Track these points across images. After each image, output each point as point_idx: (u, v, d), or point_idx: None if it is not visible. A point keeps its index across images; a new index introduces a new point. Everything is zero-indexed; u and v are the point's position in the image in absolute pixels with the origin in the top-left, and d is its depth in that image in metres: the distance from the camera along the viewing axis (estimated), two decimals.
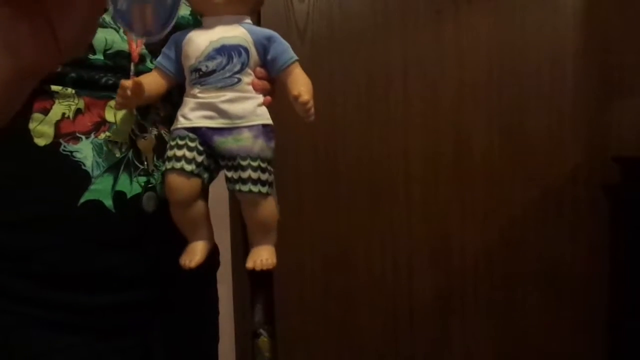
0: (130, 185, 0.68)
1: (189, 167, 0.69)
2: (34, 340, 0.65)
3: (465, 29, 1.96)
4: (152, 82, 0.71)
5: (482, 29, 1.96)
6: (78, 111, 0.66)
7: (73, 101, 0.65)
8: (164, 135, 0.73)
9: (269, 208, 0.72)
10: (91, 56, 0.66)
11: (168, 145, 0.71)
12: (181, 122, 0.71)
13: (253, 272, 2.27)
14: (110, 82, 0.67)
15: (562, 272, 2.01)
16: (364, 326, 2.02)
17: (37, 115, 0.64)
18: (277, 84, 0.74)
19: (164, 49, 0.73)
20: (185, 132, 0.70)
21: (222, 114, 0.69)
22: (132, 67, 0.69)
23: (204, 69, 0.69)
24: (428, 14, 1.95)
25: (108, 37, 0.67)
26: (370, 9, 1.94)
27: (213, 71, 0.69)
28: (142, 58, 0.71)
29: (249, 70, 0.71)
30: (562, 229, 2.00)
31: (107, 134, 0.67)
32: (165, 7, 0.50)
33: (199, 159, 0.70)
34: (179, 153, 0.69)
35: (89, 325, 0.68)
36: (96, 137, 0.67)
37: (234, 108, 0.69)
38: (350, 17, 1.93)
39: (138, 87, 0.66)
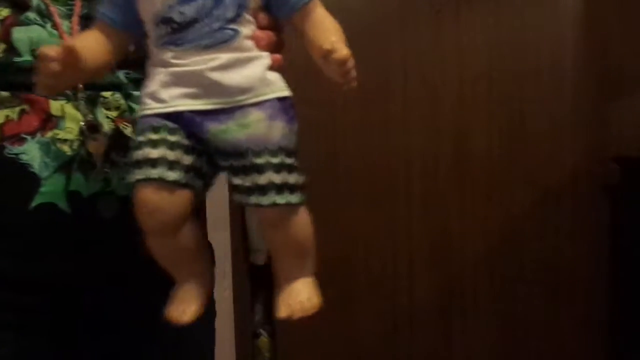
0: (87, 184, 0.62)
1: (172, 175, 0.47)
2: None
3: (465, 29, 1.96)
4: (94, 45, 0.50)
5: (482, 29, 1.96)
6: (22, 111, 0.62)
7: (15, 102, 0.61)
8: (122, 129, 0.65)
9: (303, 224, 0.51)
10: (16, 59, 0.60)
11: (135, 144, 0.50)
12: (150, 105, 0.49)
13: (253, 272, 2.25)
14: None
15: (562, 272, 2.00)
16: (363, 326, 2.02)
17: None
18: (289, 31, 0.54)
19: None
20: (161, 121, 0.48)
21: (214, 88, 0.47)
22: None
23: (177, 18, 0.46)
24: (428, 14, 1.95)
25: (33, 35, 0.61)
26: (369, 9, 1.94)
27: (193, 20, 0.46)
28: None
29: (248, 17, 0.48)
30: (562, 229, 2.00)
31: (55, 131, 0.62)
32: None
33: (187, 160, 0.48)
34: (155, 154, 0.47)
35: (55, 327, 0.65)
36: (42, 135, 0.61)
37: (231, 77, 0.47)
38: (349, 17, 1.92)
39: (70, 53, 0.46)
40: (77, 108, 0.62)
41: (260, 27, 0.50)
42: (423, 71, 1.96)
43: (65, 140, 0.62)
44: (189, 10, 0.46)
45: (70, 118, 0.62)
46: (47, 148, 0.61)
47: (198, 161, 0.49)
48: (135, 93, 0.64)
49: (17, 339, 0.64)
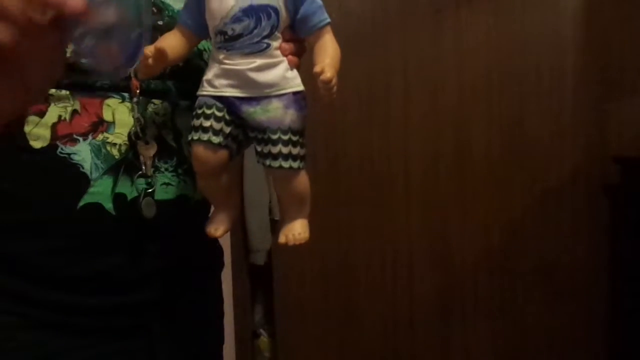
0: (131, 187, 0.67)
1: (216, 139, 0.66)
2: (36, 341, 0.65)
3: (465, 29, 1.96)
4: (174, 44, 0.68)
5: (482, 29, 1.96)
6: (74, 112, 0.65)
7: (69, 102, 0.64)
8: (164, 136, 0.71)
9: (302, 182, 0.69)
10: (83, 60, 0.64)
11: (194, 113, 0.68)
12: (206, 89, 0.67)
13: (253, 272, 2.25)
14: (106, 85, 0.66)
15: (562, 271, 2.01)
16: (363, 326, 2.02)
17: (32, 118, 0.63)
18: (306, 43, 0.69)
19: (187, 2, 0.68)
20: (212, 100, 0.66)
21: (250, 82, 0.65)
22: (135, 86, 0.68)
23: (229, 32, 0.64)
24: (428, 14, 1.96)
25: None
26: (370, 9, 1.95)
27: (240, 35, 0.64)
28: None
29: (278, 34, 0.65)
30: (562, 229, 2.00)
31: (105, 134, 0.66)
32: (130, 42, 0.50)
33: (227, 129, 0.66)
34: (206, 124, 0.66)
35: (92, 327, 0.68)
36: (94, 138, 0.65)
37: (263, 76, 0.65)
38: (350, 17, 1.93)
39: (160, 54, 0.64)
40: (131, 109, 0.68)
41: (285, 40, 0.67)
42: (423, 71, 1.96)
43: (114, 144, 0.66)
44: (238, 28, 0.64)
45: (121, 124, 0.67)
46: (98, 150, 0.65)
47: (235, 131, 0.67)
48: (182, 103, 0.72)
49: (62, 338, 0.66)
